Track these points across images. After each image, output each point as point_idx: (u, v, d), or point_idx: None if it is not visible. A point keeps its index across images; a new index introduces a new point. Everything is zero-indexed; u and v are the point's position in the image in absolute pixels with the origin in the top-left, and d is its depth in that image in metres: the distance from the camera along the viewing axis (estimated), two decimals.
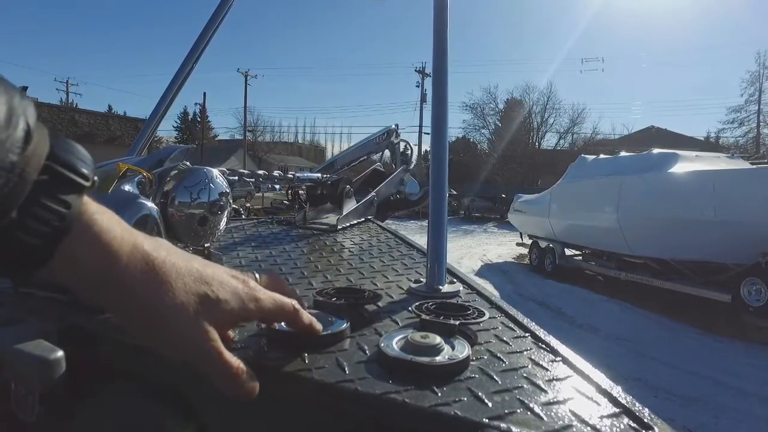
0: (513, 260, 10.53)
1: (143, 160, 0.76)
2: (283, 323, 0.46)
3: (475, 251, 11.42)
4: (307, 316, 0.44)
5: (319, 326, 0.45)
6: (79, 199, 0.31)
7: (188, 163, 0.77)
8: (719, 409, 3.65)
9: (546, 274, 8.70)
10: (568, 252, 8.90)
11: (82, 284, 0.32)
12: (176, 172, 0.74)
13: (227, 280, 0.38)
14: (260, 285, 0.42)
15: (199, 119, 38.25)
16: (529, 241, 9.88)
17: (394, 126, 1.64)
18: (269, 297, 0.41)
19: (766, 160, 6.73)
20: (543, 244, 9.19)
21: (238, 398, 0.37)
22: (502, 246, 12.33)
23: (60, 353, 0.43)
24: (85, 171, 0.31)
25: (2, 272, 0.30)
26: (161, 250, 0.35)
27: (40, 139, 0.29)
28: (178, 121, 41.64)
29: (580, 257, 8.97)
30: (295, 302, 0.43)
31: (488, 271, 9.10)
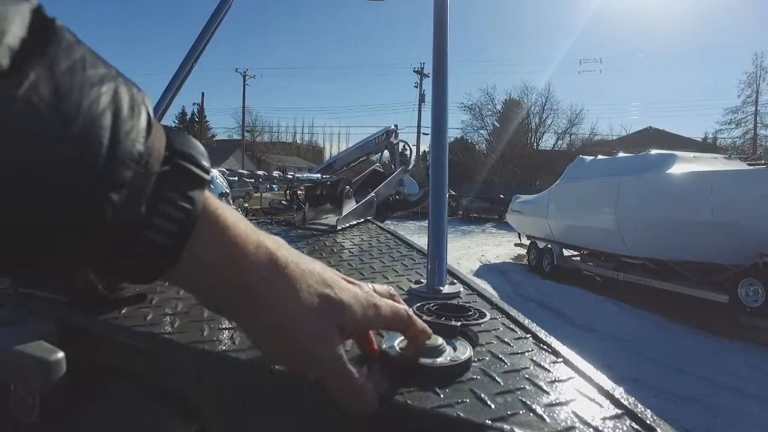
0: (511, 261, 10.54)
1: None
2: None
3: (473, 252, 11.43)
4: (419, 321, 0.41)
5: (429, 330, 0.41)
6: (202, 194, 0.29)
7: None
8: (717, 409, 3.67)
9: (544, 275, 8.71)
10: (567, 252, 8.92)
11: (207, 284, 0.31)
12: None
13: (347, 285, 0.36)
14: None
15: (197, 119, 38.24)
16: (528, 242, 9.90)
17: (393, 126, 1.64)
18: (386, 303, 0.38)
19: (763, 161, 6.74)
20: (541, 244, 9.20)
21: (358, 413, 0.34)
22: (500, 246, 12.34)
23: (60, 354, 0.43)
24: (205, 164, 0.30)
25: (127, 277, 0.28)
26: (283, 249, 0.33)
27: (158, 130, 0.28)
28: (177, 121, 41.64)
29: (578, 258, 8.99)
30: (408, 308, 0.40)
31: (487, 271, 9.11)
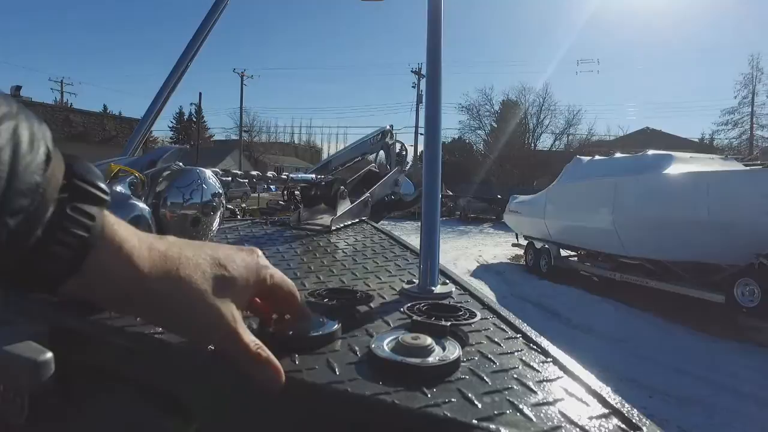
0: (509, 261, 10.55)
1: (136, 160, 0.76)
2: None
3: (470, 252, 11.44)
4: (300, 295, 0.46)
5: (308, 312, 0.47)
6: (101, 211, 0.32)
7: (181, 164, 0.77)
8: (713, 409, 3.67)
9: (541, 275, 8.72)
10: (564, 253, 8.93)
11: (110, 293, 0.34)
12: (169, 172, 0.74)
13: (237, 256, 0.40)
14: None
15: (194, 119, 38.15)
16: (525, 242, 9.90)
17: (388, 127, 1.64)
18: (275, 271, 0.43)
19: (759, 162, 6.76)
20: (538, 244, 9.20)
21: (264, 386, 0.38)
22: (497, 247, 12.35)
23: (49, 355, 0.43)
24: (103, 186, 0.33)
25: (31, 288, 0.31)
26: (174, 247, 0.37)
27: (57, 161, 0.31)
28: (174, 121, 41.53)
29: (576, 258, 9.00)
30: (292, 282, 0.45)
31: (484, 271, 9.11)
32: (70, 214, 0.30)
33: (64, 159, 0.32)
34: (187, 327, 0.38)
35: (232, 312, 0.38)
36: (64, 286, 0.31)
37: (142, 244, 0.35)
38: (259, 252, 0.43)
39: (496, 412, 0.36)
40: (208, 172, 0.77)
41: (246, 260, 0.41)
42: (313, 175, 1.35)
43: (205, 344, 0.40)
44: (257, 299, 0.45)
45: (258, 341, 0.39)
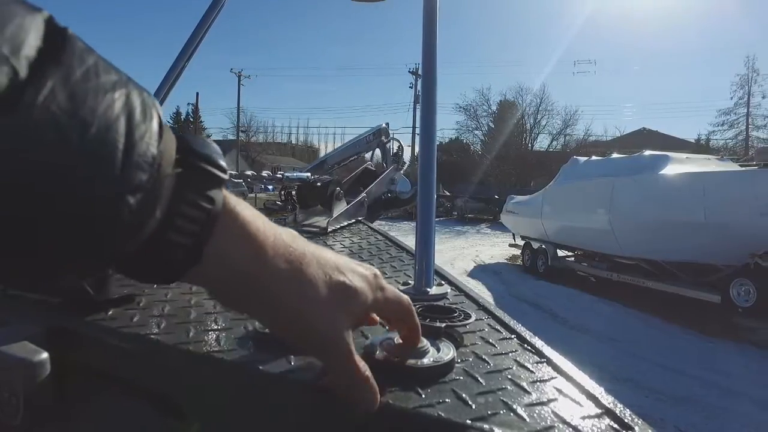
0: (506, 261, 10.57)
1: None
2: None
3: (467, 252, 11.45)
4: (416, 317, 0.42)
5: (420, 332, 0.43)
6: (221, 192, 0.30)
7: None
8: (710, 408, 3.69)
9: (538, 275, 8.74)
10: (561, 253, 8.95)
11: (228, 279, 0.31)
12: None
13: (357, 269, 0.37)
14: None
15: (192, 119, 38.10)
16: (522, 242, 9.92)
17: (384, 125, 1.64)
18: (391, 288, 0.40)
19: (754, 163, 6.79)
20: (535, 245, 9.22)
21: (358, 407, 0.35)
22: (494, 247, 12.36)
23: (44, 355, 0.43)
24: (222, 163, 0.31)
25: (152, 278, 0.29)
26: (298, 240, 0.34)
27: (168, 132, 0.28)
28: (171, 121, 41.45)
29: (572, 258, 9.02)
30: (408, 298, 0.41)
31: (481, 272, 9.13)
32: (189, 196, 0.28)
33: (178, 132, 0.30)
34: (298, 330, 0.34)
35: (348, 327, 0.35)
36: (179, 275, 0.29)
37: (267, 229, 0.32)
38: (377, 271, 0.39)
39: (489, 412, 0.36)
40: None
41: (365, 274, 0.37)
42: (309, 174, 1.35)
43: (311, 353, 0.37)
44: (374, 316, 0.41)
45: (364, 363, 0.35)
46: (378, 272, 0.39)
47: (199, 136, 0.31)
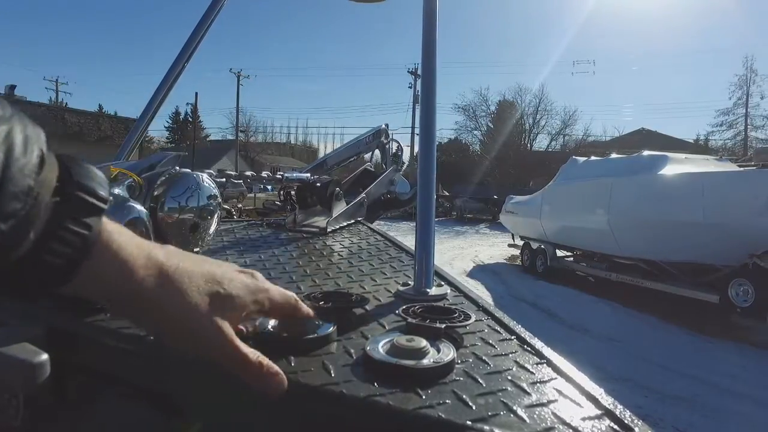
0: (505, 261, 10.56)
1: (135, 164, 0.76)
2: (271, 323, 0.48)
3: (466, 252, 11.45)
4: (305, 307, 0.46)
5: (311, 312, 0.47)
6: (99, 220, 0.33)
7: (177, 168, 0.77)
8: (708, 408, 3.69)
9: (537, 275, 8.73)
10: (560, 253, 8.95)
11: (104, 299, 0.35)
12: (166, 177, 0.74)
13: (236, 276, 0.41)
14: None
15: (190, 119, 38.02)
16: (521, 243, 9.91)
17: (383, 126, 1.64)
18: (275, 288, 0.44)
19: (753, 163, 6.79)
20: (534, 245, 9.22)
21: (267, 394, 0.38)
22: (493, 247, 12.36)
23: (44, 356, 0.43)
24: (103, 194, 0.33)
25: (22, 294, 0.32)
26: (173, 258, 0.37)
27: (50, 164, 0.31)
28: (170, 121, 41.38)
29: (572, 258, 9.02)
30: (294, 294, 0.46)
31: (480, 272, 9.12)
32: (66, 225, 0.30)
33: (65, 161, 0.33)
34: (180, 336, 0.37)
35: (219, 326, 0.38)
36: (55, 288, 0.32)
37: (140, 253, 0.35)
38: (260, 276, 0.43)
39: (490, 413, 0.36)
40: (204, 176, 0.77)
41: (245, 281, 0.41)
42: (308, 175, 1.35)
43: (202, 355, 0.40)
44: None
45: (256, 351, 0.39)
46: (259, 276, 0.43)
47: (85, 165, 0.34)
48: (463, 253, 11.19)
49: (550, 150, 33.24)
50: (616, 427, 0.36)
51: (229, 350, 0.38)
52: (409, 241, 1.01)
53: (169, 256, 0.37)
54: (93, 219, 0.32)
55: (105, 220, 0.34)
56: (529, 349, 0.49)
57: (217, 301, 0.38)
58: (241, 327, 0.47)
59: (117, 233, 0.34)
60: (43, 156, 0.30)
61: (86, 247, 0.31)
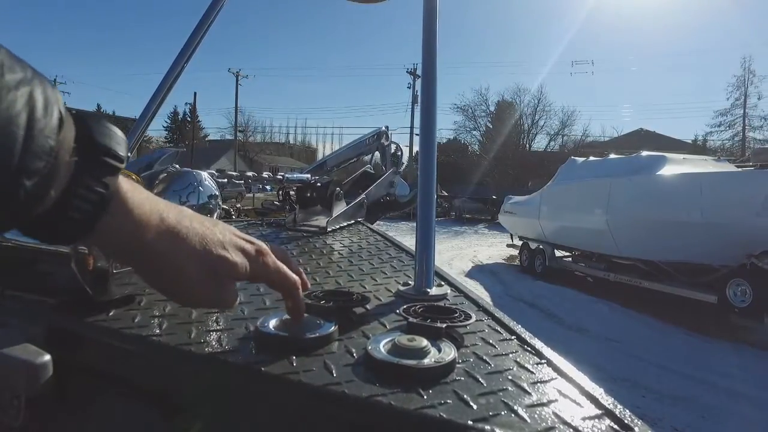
0: (503, 261, 10.57)
1: (133, 163, 0.76)
2: (272, 323, 0.48)
3: (465, 252, 11.46)
4: (292, 277, 0.48)
5: (306, 282, 0.51)
6: (115, 179, 0.35)
7: (177, 166, 0.77)
8: (706, 408, 3.70)
9: (536, 275, 8.74)
10: (558, 253, 8.96)
11: (117, 252, 0.40)
12: (165, 175, 0.74)
13: (244, 246, 0.44)
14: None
15: (189, 119, 37.99)
16: (520, 243, 9.92)
17: (383, 128, 1.65)
18: (279, 265, 0.47)
19: (751, 163, 6.81)
20: (533, 245, 9.23)
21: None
22: (492, 247, 12.37)
23: (47, 357, 0.43)
24: (120, 154, 0.35)
25: (49, 241, 0.35)
26: (185, 219, 0.40)
27: (68, 124, 0.33)
28: (168, 121, 41.34)
29: (570, 258, 9.03)
30: (298, 279, 0.48)
31: (479, 272, 9.13)
32: (84, 183, 0.33)
33: (87, 120, 0.35)
34: (185, 295, 0.41)
35: (228, 284, 0.42)
36: (75, 239, 0.35)
37: (153, 212, 0.38)
38: (266, 249, 0.46)
39: (491, 413, 0.37)
40: (204, 174, 0.77)
41: (248, 250, 0.44)
42: (309, 176, 1.35)
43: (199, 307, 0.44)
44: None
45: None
46: (265, 249, 0.46)
47: (105, 124, 0.36)
48: (461, 254, 11.19)
49: (549, 150, 33.29)
50: (616, 426, 0.36)
51: (225, 304, 0.43)
52: (408, 241, 1.01)
53: (182, 217, 0.40)
54: (110, 178, 0.34)
55: (123, 179, 0.36)
56: (529, 349, 0.49)
57: (224, 264, 0.41)
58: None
59: (132, 192, 0.36)
60: (62, 117, 0.32)
61: (103, 204, 0.34)
